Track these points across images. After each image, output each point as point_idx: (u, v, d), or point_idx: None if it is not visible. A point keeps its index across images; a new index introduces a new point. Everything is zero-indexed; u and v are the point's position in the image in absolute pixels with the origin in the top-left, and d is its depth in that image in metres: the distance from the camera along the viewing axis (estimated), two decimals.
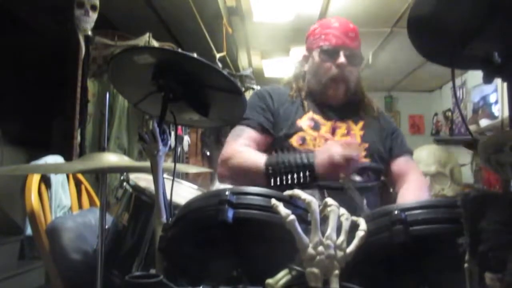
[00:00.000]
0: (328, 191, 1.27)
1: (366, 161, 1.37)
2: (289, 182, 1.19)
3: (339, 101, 1.44)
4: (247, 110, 1.46)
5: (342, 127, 1.40)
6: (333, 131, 1.39)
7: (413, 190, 1.36)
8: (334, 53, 1.38)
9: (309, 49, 1.47)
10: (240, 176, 1.32)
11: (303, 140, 1.35)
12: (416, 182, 1.39)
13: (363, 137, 1.39)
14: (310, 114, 1.41)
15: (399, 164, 1.44)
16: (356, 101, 1.47)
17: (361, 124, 1.43)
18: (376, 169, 1.39)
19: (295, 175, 1.19)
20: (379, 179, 1.42)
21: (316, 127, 1.38)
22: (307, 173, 1.19)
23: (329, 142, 1.26)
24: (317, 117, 1.41)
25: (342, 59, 1.37)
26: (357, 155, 1.20)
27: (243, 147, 1.35)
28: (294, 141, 1.35)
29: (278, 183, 1.20)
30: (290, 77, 1.54)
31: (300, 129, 1.37)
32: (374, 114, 1.48)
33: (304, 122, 1.39)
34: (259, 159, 1.25)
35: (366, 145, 1.38)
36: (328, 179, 1.22)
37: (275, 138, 1.39)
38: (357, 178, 1.33)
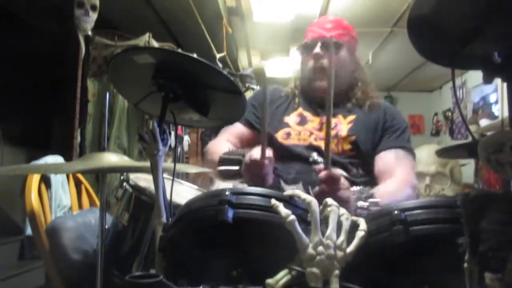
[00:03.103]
0: (312, 185, 1.28)
1: (351, 154, 1.37)
2: (224, 172, 1.24)
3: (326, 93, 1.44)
4: None
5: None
6: (320, 126, 1.41)
7: (389, 188, 1.27)
8: (311, 46, 1.42)
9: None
10: (211, 168, 1.38)
11: (288, 135, 1.40)
12: (397, 179, 1.31)
13: (349, 131, 1.39)
14: (300, 110, 1.46)
15: (385, 158, 1.38)
16: (349, 94, 1.46)
17: (350, 117, 1.43)
18: (359, 163, 1.38)
19: (229, 167, 1.23)
20: (369, 175, 1.40)
21: (302, 122, 1.42)
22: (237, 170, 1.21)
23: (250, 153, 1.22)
24: (306, 114, 1.45)
25: (317, 49, 1.40)
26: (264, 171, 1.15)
27: (219, 140, 1.45)
28: (280, 136, 1.41)
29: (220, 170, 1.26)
30: (290, 79, 1.58)
31: (287, 125, 1.42)
32: (368, 106, 1.46)
33: (291, 118, 1.44)
34: (221, 152, 1.31)
35: (353, 138, 1.38)
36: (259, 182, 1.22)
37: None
38: (343, 173, 1.33)
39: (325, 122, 1.40)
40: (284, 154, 1.36)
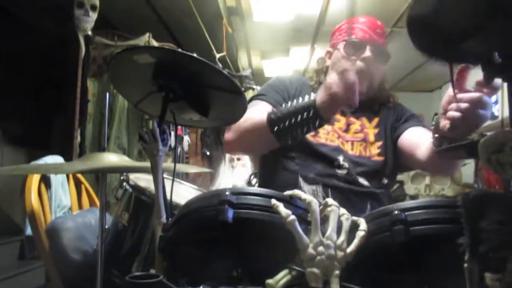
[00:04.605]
0: (332, 189, 1.27)
1: (379, 159, 1.34)
2: (293, 125, 1.12)
3: (360, 96, 1.41)
4: (264, 88, 1.44)
5: (356, 123, 1.38)
6: (347, 127, 1.37)
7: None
8: (360, 47, 1.35)
9: (334, 44, 1.44)
10: (246, 135, 1.26)
11: (316, 132, 1.32)
12: None
13: (376, 135, 1.37)
14: None
15: (414, 132, 1.33)
16: (374, 97, 1.42)
17: (375, 121, 1.40)
18: (387, 169, 1.35)
19: (299, 117, 1.11)
20: (391, 182, 1.39)
21: (331, 120, 1.34)
22: (310, 112, 1.10)
23: (328, 82, 1.13)
24: None
25: (368, 53, 1.33)
26: (353, 79, 1.09)
27: (249, 113, 1.26)
28: None
29: (282, 128, 1.14)
30: (312, 71, 1.51)
31: None
32: (390, 107, 1.44)
33: None
34: (263, 114, 1.19)
35: (380, 143, 1.36)
36: (332, 115, 1.16)
37: None
38: (365, 183, 1.31)
39: (351, 123, 1.37)
40: (309, 151, 1.31)
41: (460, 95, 0.91)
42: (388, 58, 1.41)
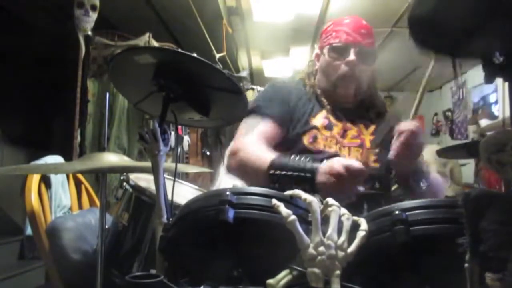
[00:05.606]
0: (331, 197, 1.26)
1: (375, 166, 1.33)
2: (288, 187, 1.15)
3: (350, 100, 1.39)
4: (264, 98, 1.42)
5: (352, 129, 1.37)
6: (343, 133, 1.35)
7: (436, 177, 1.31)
8: (344, 50, 1.34)
9: (321, 47, 1.43)
10: (244, 171, 1.27)
11: (314, 138, 1.32)
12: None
13: (372, 142, 1.36)
14: (324, 113, 1.38)
15: None
16: (368, 102, 1.42)
17: (372, 128, 1.39)
18: (383, 177, 1.34)
19: (296, 173, 1.12)
20: (388, 189, 1.37)
21: (329, 126, 1.35)
22: (306, 185, 1.11)
23: (336, 159, 1.14)
24: (330, 117, 1.38)
25: (352, 56, 1.32)
26: (359, 182, 1.09)
27: (254, 140, 1.28)
28: (306, 139, 1.32)
29: (277, 185, 1.14)
30: (303, 74, 1.49)
31: (314, 127, 1.34)
32: (386, 116, 1.43)
33: (318, 120, 1.36)
34: (266, 158, 1.19)
35: (376, 150, 1.35)
36: (325, 196, 1.18)
37: (288, 133, 1.35)
38: (361, 188, 1.31)
39: (348, 128, 1.35)
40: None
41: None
42: (375, 58, 1.40)
